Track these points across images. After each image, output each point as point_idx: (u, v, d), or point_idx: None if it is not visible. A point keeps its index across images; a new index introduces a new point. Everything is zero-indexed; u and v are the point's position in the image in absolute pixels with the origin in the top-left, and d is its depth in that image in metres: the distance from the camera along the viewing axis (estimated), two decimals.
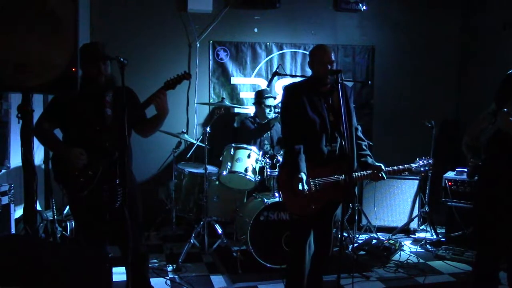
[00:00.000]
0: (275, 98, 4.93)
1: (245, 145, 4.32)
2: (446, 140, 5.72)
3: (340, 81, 2.82)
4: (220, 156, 4.40)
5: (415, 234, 5.12)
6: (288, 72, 5.41)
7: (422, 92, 5.86)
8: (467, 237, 4.50)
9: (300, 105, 2.99)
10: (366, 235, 4.98)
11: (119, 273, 3.16)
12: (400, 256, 4.42)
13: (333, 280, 2.99)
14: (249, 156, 4.24)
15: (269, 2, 5.38)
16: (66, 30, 2.18)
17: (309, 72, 3.18)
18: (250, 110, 5.24)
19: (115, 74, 2.88)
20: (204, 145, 4.29)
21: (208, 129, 4.32)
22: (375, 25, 5.77)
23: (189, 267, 4.05)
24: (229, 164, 4.22)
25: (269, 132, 4.74)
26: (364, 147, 3.18)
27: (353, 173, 2.95)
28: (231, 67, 5.46)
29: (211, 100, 5.35)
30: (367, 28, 5.75)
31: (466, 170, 4.72)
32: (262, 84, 5.46)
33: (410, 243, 4.83)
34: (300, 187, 2.87)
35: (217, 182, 4.36)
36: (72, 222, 4.14)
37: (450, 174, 4.80)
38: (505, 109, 2.79)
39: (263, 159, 4.24)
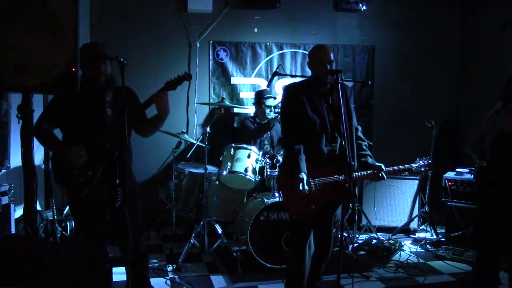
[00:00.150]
0: (275, 98, 4.93)
1: (245, 145, 4.32)
2: (446, 140, 5.72)
3: (340, 81, 2.81)
4: (220, 156, 4.40)
5: (415, 234, 5.12)
6: (288, 72, 5.41)
7: (422, 92, 5.86)
8: (467, 237, 4.50)
9: (300, 105, 2.99)
10: (366, 235, 4.98)
11: (119, 273, 3.16)
12: (400, 256, 4.42)
13: (333, 280, 2.99)
14: (249, 156, 4.24)
15: (269, 2, 5.38)
16: (66, 30, 2.18)
17: (309, 72, 3.17)
18: (250, 110, 5.24)
19: (115, 74, 2.88)
20: (204, 145, 4.29)
21: (208, 129, 4.32)
22: (375, 25, 5.77)
23: (189, 267, 4.05)
24: (229, 164, 4.22)
25: (269, 132, 4.74)
26: (364, 147, 3.18)
27: (353, 173, 2.95)
28: (231, 67, 5.46)
29: (211, 100, 5.35)
30: (367, 28, 5.75)
31: (466, 170, 4.74)
32: (262, 84, 5.46)
33: (410, 243, 4.83)
34: (301, 188, 2.87)
35: (217, 182, 4.36)
36: (72, 222, 4.14)
37: (450, 174, 4.80)
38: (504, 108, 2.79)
39: (263, 159, 4.24)
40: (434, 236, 4.92)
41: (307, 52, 5.50)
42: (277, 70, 4.65)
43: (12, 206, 3.56)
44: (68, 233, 4.16)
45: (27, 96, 2.27)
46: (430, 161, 3.21)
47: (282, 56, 5.56)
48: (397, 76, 5.84)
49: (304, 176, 2.89)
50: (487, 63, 5.47)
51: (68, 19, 2.18)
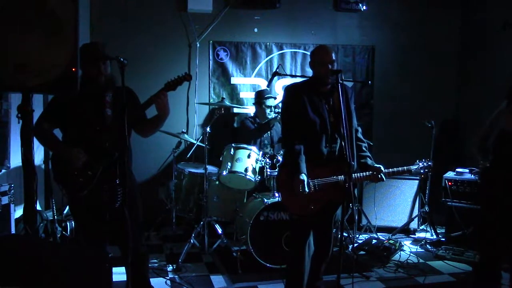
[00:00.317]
0: (275, 98, 4.93)
1: (245, 145, 4.31)
2: (446, 140, 5.72)
3: (340, 81, 2.81)
4: (220, 156, 4.40)
5: (415, 234, 5.12)
6: (288, 72, 5.41)
7: (422, 92, 5.86)
8: (467, 237, 4.50)
9: (300, 106, 2.99)
10: (366, 235, 4.98)
11: (119, 273, 3.16)
12: (400, 256, 4.42)
13: (333, 280, 2.99)
14: (249, 156, 4.24)
15: (269, 2, 5.38)
16: (66, 30, 2.18)
17: (309, 72, 3.18)
18: (250, 110, 5.24)
19: (115, 74, 2.88)
20: (204, 145, 4.29)
21: (208, 129, 4.32)
22: (375, 25, 5.77)
23: (189, 267, 4.05)
24: (229, 164, 4.22)
25: (269, 132, 4.73)
26: (364, 148, 3.18)
27: (353, 174, 2.95)
28: (231, 67, 5.46)
29: (211, 100, 5.35)
30: (367, 28, 5.75)
31: (466, 170, 4.74)
32: (262, 84, 5.46)
33: (410, 243, 4.83)
34: (301, 189, 2.87)
35: (217, 182, 4.36)
36: (72, 222, 4.14)
37: (450, 174, 4.80)
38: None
39: (263, 159, 4.24)
40: (434, 236, 4.92)
41: (307, 52, 5.51)
42: (277, 70, 4.65)
43: (12, 206, 3.56)
44: (68, 233, 4.16)
45: (27, 96, 2.27)
46: (429, 163, 3.21)
47: (282, 56, 5.56)
48: (397, 76, 5.84)
49: (304, 177, 2.89)
50: (487, 63, 5.47)
51: (68, 19, 2.18)
